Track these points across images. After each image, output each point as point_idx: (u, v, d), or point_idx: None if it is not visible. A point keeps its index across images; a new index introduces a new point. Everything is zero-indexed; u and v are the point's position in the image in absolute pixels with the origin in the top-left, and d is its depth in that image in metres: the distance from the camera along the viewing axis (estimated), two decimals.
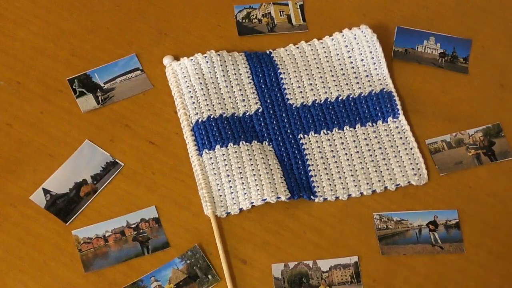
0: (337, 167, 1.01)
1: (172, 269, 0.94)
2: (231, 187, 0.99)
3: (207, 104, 1.04)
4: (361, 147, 1.02)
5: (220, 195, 0.99)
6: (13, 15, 1.14)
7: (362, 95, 1.06)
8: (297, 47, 1.10)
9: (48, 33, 1.12)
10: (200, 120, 1.03)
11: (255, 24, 1.13)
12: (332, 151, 1.02)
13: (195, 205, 0.98)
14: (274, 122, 1.04)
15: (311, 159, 1.01)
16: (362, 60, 1.08)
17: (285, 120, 1.05)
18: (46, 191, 0.99)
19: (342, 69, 1.08)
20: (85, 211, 0.98)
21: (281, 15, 1.14)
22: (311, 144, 1.03)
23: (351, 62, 1.08)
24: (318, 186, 0.99)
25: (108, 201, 0.99)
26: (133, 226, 0.97)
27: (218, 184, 0.99)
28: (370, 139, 1.03)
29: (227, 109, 1.05)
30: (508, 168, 1.02)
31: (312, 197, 0.98)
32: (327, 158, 1.02)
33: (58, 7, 1.15)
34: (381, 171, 1.00)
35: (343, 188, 0.99)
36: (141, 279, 0.93)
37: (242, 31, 1.12)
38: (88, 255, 0.95)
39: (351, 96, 1.06)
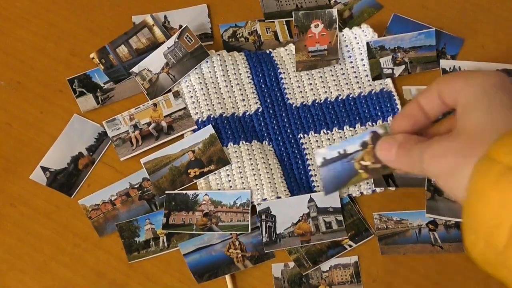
0: None
1: None
2: (231, 186, 0.99)
3: (207, 104, 1.04)
4: None
5: None
6: (13, 15, 1.14)
7: (362, 94, 1.06)
8: None
9: (48, 33, 1.12)
10: (200, 120, 1.03)
11: (241, 43, 1.11)
12: None
13: None
14: (274, 121, 1.04)
15: (311, 158, 1.01)
16: (362, 59, 1.08)
17: (285, 120, 1.04)
18: (44, 169, 1.00)
19: (342, 68, 1.08)
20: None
21: (267, 32, 1.12)
22: (311, 143, 1.03)
23: (351, 62, 1.08)
24: (318, 186, 0.99)
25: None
26: (136, 186, 0.99)
27: (218, 184, 0.99)
28: None
29: (227, 109, 1.05)
30: None
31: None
32: None
33: (58, 7, 1.15)
34: None
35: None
36: (137, 219, 0.96)
37: (230, 50, 1.10)
38: (99, 221, 0.97)
39: (351, 96, 1.06)
